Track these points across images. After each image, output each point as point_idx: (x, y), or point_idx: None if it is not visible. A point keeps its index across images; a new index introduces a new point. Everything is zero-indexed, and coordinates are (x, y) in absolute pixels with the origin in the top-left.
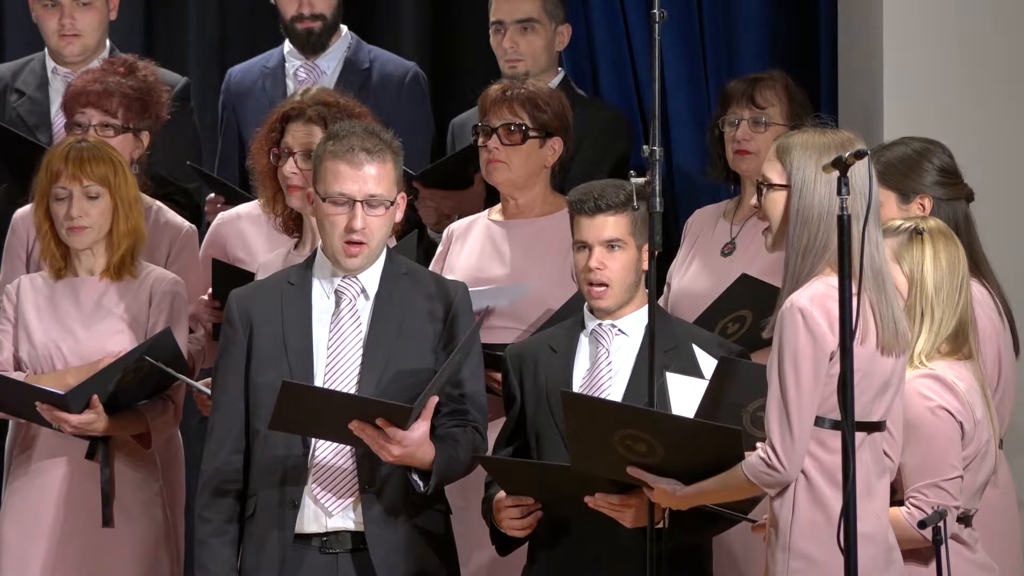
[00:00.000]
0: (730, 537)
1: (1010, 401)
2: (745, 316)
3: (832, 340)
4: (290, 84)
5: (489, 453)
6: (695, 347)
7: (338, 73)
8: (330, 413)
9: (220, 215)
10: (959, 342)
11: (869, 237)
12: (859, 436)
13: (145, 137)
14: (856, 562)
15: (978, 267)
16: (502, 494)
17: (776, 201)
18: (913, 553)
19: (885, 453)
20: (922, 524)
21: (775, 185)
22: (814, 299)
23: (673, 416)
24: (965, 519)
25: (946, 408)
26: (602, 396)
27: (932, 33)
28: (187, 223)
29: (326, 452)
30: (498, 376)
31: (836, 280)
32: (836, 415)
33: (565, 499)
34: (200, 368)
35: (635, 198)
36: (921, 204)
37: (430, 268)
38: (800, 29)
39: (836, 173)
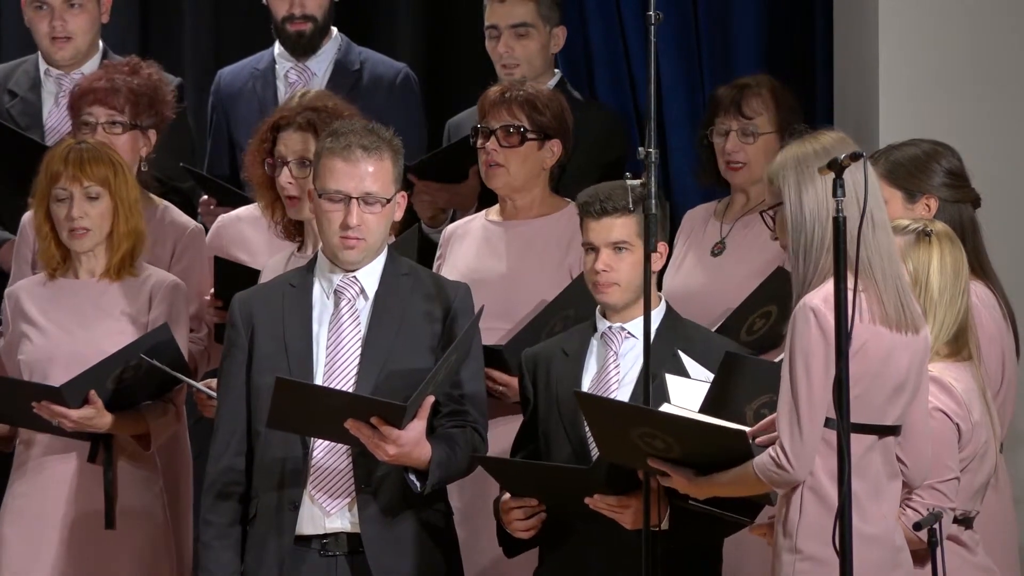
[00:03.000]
0: (727, 539)
1: (1011, 404)
2: (771, 311)
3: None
4: (280, 86)
5: (498, 454)
6: (681, 353)
7: (328, 75)
8: (325, 411)
9: (220, 218)
10: (959, 345)
11: (871, 221)
12: (870, 439)
13: (152, 135)
14: (852, 562)
15: (983, 269)
16: (507, 495)
17: (783, 222)
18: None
19: (900, 460)
20: (917, 526)
21: (774, 208)
22: (827, 299)
23: (679, 416)
24: (966, 521)
25: (942, 410)
26: (611, 397)
27: (928, 35)
28: (193, 222)
29: (322, 453)
30: (495, 374)
31: (835, 282)
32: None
33: (566, 499)
34: (204, 370)
35: (631, 200)
36: (927, 205)
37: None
38: (796, 31)
39: (831, 175)
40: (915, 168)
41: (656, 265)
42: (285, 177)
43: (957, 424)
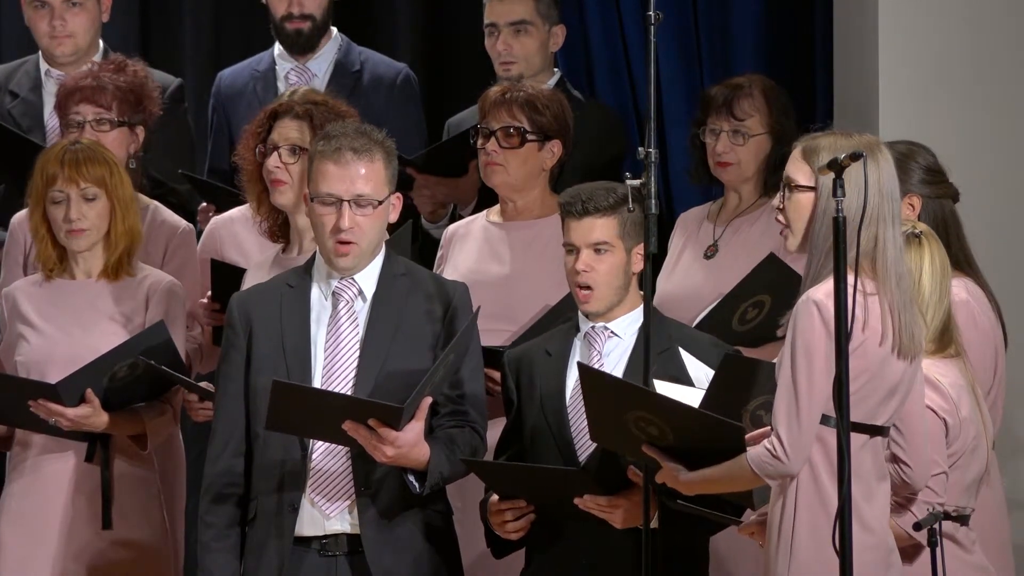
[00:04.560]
0: (716, 539)
1: (1002, 399)
2: (764, 301)
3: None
4: (281, 87)
5: (490, 455)
6: (682, 351)
7: (329, 75)
8: (323, 413)
9: (214, 219)
10: (944, 341)
11: (895, 240)
12: (861, 438)
13: (140, 132)
14: (851, 562)
15: (969, 264)
16: (495, 497)
17: (802, 203)
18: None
19: (901, 460)
20: (918, 526)
21: (802, 187)
22: (830, 294)
23: (681, 404)
24: (962, 518)
25: (928, 406)
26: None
27: (927, 35)
28: (184, 222)
29: (321, 455)
30: (496, 375)
31: (852, 277)
32: None
33: (556, 500)
34: (197, 369)
35: (630, 200)
36: (910, 204)
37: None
38: (796, 30)
39: (853, 174)
40: None
41: (636, 267)
42: (273, 161)
43: (944, 419)
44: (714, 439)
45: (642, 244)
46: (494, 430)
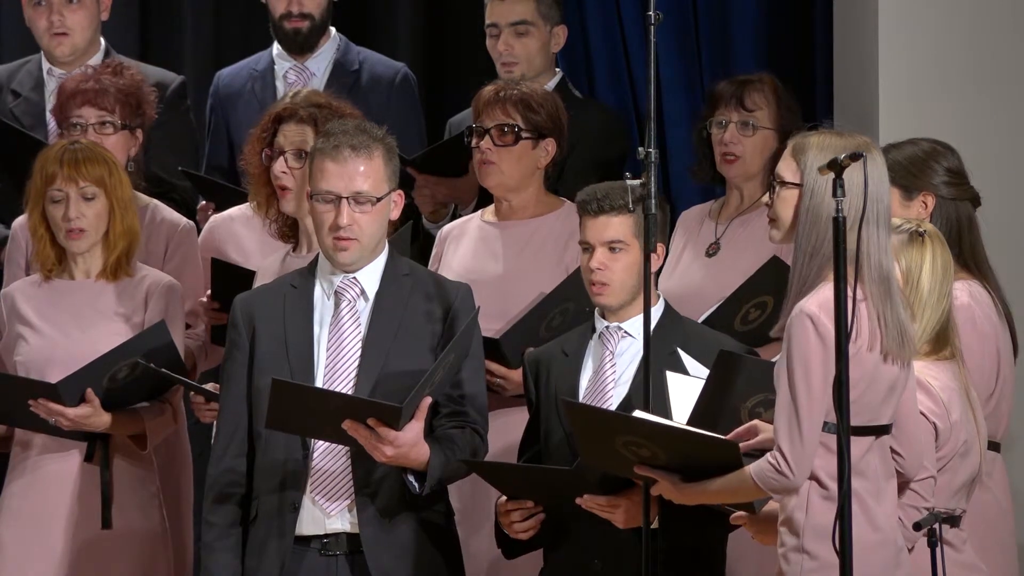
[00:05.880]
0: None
1: (1008, 402)
2: (766, 302)
3: None
4: (279, 86)
5: (493, 455)
6: (680, 351)
7: (328, 74)
8: (323, 412)
9: (213, 218)
10: (940, 343)
11: (878, 242)
12: (867, 440)
13: (139, 135)
14: (851, 562)
15: (979, 268)
16: (504, 497)
17: (788, 200)
18: None
19: (894, 450)
20: (917, 526)
21: (788, 183)
22: (823, 305)
23: (668, 426)
24: (951, 519)
25: (919, 409)
26: (606, 398)
27: (927, 35)
28: (185, 219)
29: (321, 455)
30: (492, 367)
31: (840, 283)
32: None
33: (561, 500)
34: (202, 367)
35: (630, 200)
36: (923, 202)
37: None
38: (796, 30)
39: (830, 175)
40: (914, 167)
41: (654, 265)
42: (279, 166)
43: (934, 423)
44: (708, 456)
45: (660, 245)
46: (494, 423)
